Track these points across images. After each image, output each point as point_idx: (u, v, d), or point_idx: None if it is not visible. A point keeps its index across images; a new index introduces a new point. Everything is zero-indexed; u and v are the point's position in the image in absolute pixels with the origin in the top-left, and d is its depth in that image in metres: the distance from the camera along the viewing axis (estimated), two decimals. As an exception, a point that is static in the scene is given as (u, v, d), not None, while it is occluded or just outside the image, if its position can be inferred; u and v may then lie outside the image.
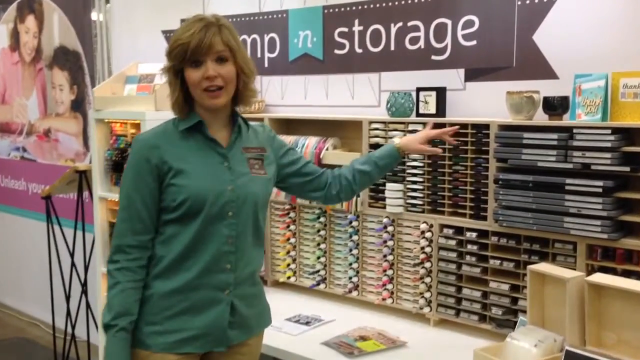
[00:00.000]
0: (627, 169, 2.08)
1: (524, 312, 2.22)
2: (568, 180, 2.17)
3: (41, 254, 4.16)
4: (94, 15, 4.24)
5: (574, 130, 2.15)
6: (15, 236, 5.27)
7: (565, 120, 2.27)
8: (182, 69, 1.82)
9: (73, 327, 4.00)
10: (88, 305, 3.97)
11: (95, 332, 3.81)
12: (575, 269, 2.16)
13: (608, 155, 2.08)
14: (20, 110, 5.04)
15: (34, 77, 4.84)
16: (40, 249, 4.16)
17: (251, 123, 2.01)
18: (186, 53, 1.77)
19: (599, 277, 1.97)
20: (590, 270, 2.17)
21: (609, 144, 2.08)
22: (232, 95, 1.87)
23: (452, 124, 2.35)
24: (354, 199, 2.75)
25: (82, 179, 3.71)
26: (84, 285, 3.93)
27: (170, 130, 1.88)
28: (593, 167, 2.12)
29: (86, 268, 3.92)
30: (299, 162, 2.09)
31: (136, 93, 3.34)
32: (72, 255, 3.94)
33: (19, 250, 5.24)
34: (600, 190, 2.11)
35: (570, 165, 2.16)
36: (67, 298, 3.95)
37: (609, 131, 2.08)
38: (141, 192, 1.82)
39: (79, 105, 4.44)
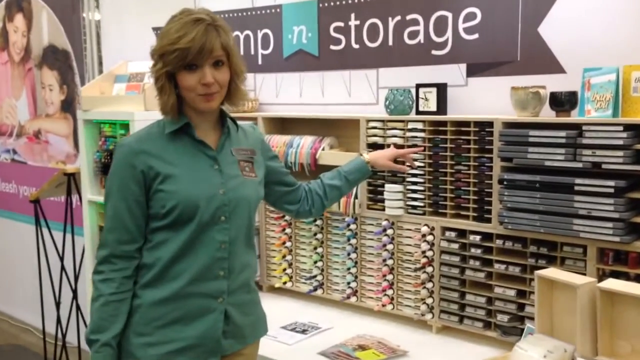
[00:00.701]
0: (640, 167, 1.97)
1: (531, 319, 2.12)
2: (577, 180, 2.06)
3: (33, 258, 4.07)
4: (83, 13, 4.12)
5: (583, 127, 2.04)
6: (7, 240, 5.17)
7: (574, 117, 2.17)
8: (175, 72, 1.72)
9: (64, 336, 3.91)
10: (78, 308, 3.87)
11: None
12: (585, 274, 2.07)
13: (620, 153, 1.98)
14: (10, 112, 4.93)
15: (24, 77, 4.73)
16: (32, 254, 4.08)
17: (241, 123, 1.93)
18: (185, 58, 1.68)
19: (611, 284, 1.86)
20: (601, 275, 2.07)
21: (620, 142, 1.97)
22: None
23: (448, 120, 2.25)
24: (351, 200, 2.65)
25: (71, 181, 3.60)
26: (75, 290, 3.83)
27: (155, 133, 1.79)
28: (604, 166, 2.02)
29: (76, 275, 3.82)
30: (283, 170, 2.06)
31: (125, 92, 3.24)
32: (61, 259, 3.85)
33: (11, 255, 5.14)
34: (611, 190, 2.00)
35: (579, 165, 2.06)
36: (57, 305, 3.86)
37: (621, 128, 1.98)
38: (127, 201, 1.73)
39: (69, 106, 4.33)
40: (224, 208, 1.76)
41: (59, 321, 3.87)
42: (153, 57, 1.74)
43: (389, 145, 2.50)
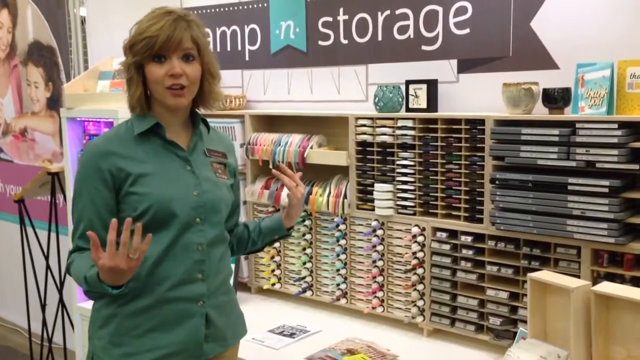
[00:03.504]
0: (636, 166, 1.92)
1: (524, 321, 2.07)
2: (571, 180, 2.00)
3: (20, 258, 4.00)
4: (68, 9, 4.03)
5: (577, 125, 1.98)
6: (-6, 240, 5.09)
7: (567, 114, 2.10)
8: (143, 64, 1.67)
9: (50, 338, 3.84)
10: (64, 307, 3.80)
11: (72, 337, 3.66)
12: (579, 276, 2.01)
13: (614, 151, 1.92)
14: (-4, 109, 4.85)
15: (9, 74, 4.64)
16: (20, 254, 4.00)
17: (213, 125, 1.89)
18: (152, 48, 1.63)
19: (606, 287, 1.80)
20: (596, 277, 2.02)
21: (615, 140, 1.91)
22: (195, 96, 1.75)
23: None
24: (340, 200, 2.58)
25: (55, 181, 3.53)
26: (60, 290, 3.76)
27: (123, 134, 1.72)
28: (598, 165, 1.96)
29: (61, 275, 3.76)
30: (237, 195, 1.94)
31: (109, 89, 3.16)
32: (47, 258, 3.78)
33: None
34: (606, 190, 1.94)
35: (573, 163, 2.00)
36: (43, 307, 3.79)
37: (616, 125, 1.91)
38: (95, 205, 1.67)
39: (55, 103, 4.25)
40: (198, 210, 1.72)
41: (44, 324, 3.80)
42: (124, 51, 1.71)
43: (379, 144, 2.46)
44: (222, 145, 1.87)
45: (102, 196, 1.66)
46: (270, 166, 2.78)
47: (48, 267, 3.80)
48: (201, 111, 1.82)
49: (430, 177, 2.35)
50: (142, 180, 1.67)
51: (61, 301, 3.78)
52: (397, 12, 2.57)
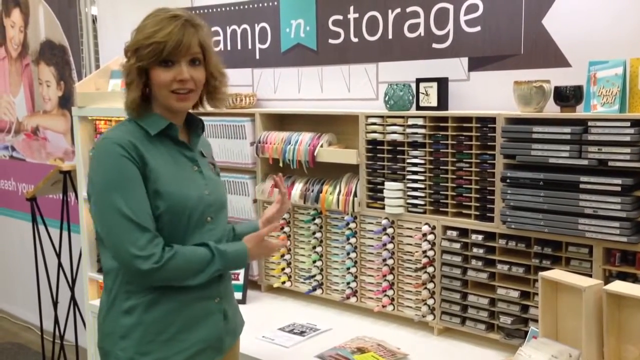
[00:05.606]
0: (649, 165, 1.90)
1: (535, 321, 2.06)
2: (583, 178, 1.99)
3: (33, 256, 4.04)
4: (79, 8, 4.06)
5: (589, 123, 1.97)
6: (6, 238, 5.13)
7: (579, 112, 2.09)
8: (148, 68, 1.67)
9: (62, 335, 3.86)
10: (76, 305, 3.83)
11: (84, 334, 3.69)
12: (591, 275, 2.00)
13: (627, 150, 1.90)
14: (8, 108, 4.88)
15: (21, 73, 4.68)
16: (32, 252, 4.04)
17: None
18: (161, 53, 1.63)
19: (618, 286, 1.79)
20: (608, 276, 2.00)
21: (627, 138, 1.89)
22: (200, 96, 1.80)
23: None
24: (351, 198, 2.58)
25: (67, 179, 3.55)
26: (72, 288, 3.79)
27: (136, 133, 1.71)
28: (610, 163, 1.94)
29: (73, 272, 3.78)
30: None
31: (121, 88, 3.16)
32: (58, 256, 3.80)
33: (10, 253, 5.10)
34: (618, 188, 1.93)
35: (585, 162, 1.98)
36: (55, 304, 3.82)
37: (628, 123, 1.89)
38: (142, 188, 1.63)
39: (66, 102, 4.28)
40: (210, 209, 1.76)
41: (56, 321, 3.83)
42: (126, 54, 1.71)
43: (389, 142, 2.46)
44: (205, 146, 1.91)
45: (142, 186, 1.63)
46: (281, 164, 2.78)
47: (60, 265, 3.83)
48: (200, 110, 1.86)
49: (441, 176, 2.34)
50: (162, 179, 1.67)
51: (73, 299, 3.81)
52: (408, 10, 2.57)
